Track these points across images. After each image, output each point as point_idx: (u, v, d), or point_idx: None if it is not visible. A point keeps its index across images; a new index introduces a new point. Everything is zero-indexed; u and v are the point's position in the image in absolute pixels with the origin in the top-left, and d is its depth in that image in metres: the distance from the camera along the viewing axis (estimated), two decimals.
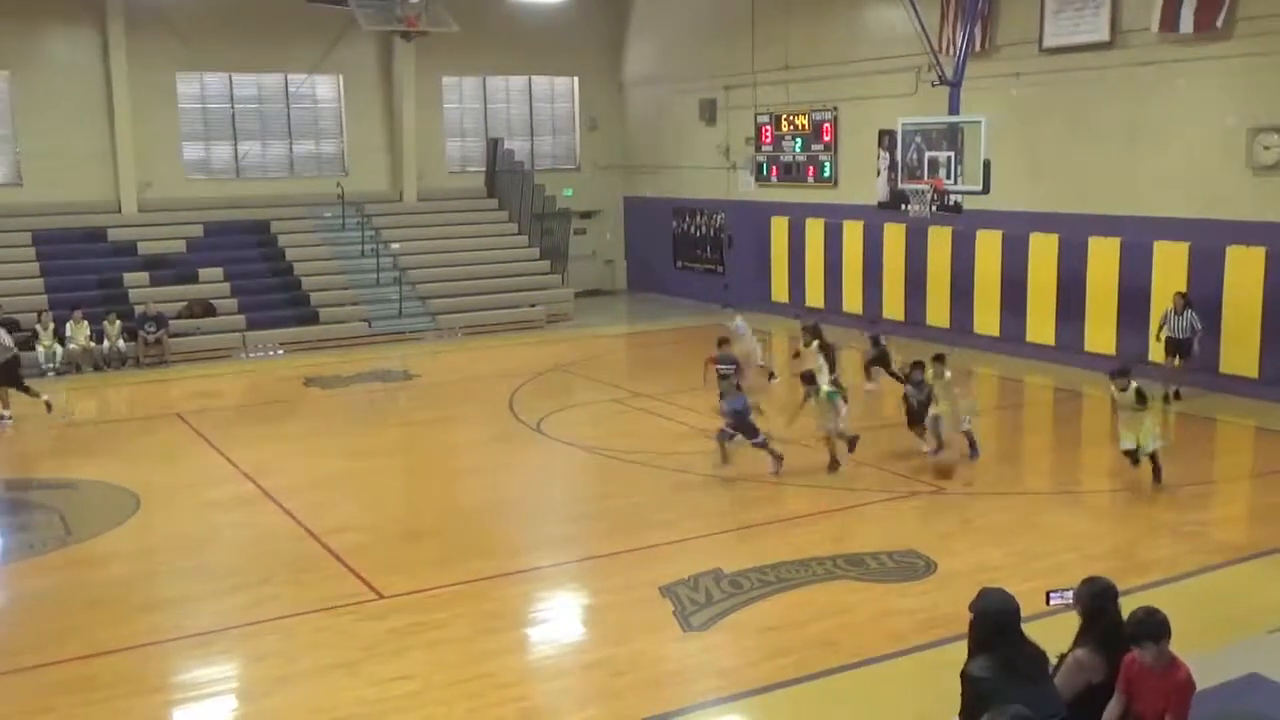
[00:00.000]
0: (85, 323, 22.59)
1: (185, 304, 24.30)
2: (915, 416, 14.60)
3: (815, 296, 26.07)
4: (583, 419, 17.90)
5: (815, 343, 16.70)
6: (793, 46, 25.83)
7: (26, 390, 18.39)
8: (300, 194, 28.26)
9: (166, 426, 18.02)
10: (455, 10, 25.87)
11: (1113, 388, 13.23)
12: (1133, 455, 13.15)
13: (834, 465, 14.05)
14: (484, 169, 30.85)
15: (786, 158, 26.75)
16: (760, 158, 27.52)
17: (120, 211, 26.50)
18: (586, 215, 31.85)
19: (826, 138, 25.56)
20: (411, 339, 25.26)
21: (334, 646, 9.40)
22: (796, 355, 18.31)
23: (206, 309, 24.50)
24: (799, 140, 26.32)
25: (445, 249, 28.33)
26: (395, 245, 27.66)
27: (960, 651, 5.81)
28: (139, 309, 23.48)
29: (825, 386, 14.25)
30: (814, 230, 25.97)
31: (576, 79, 32.12)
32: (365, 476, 14.92)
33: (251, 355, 23.68)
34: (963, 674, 5.61)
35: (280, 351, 23.99)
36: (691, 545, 11.61)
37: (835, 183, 25.53)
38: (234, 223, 26.97)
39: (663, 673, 8.91)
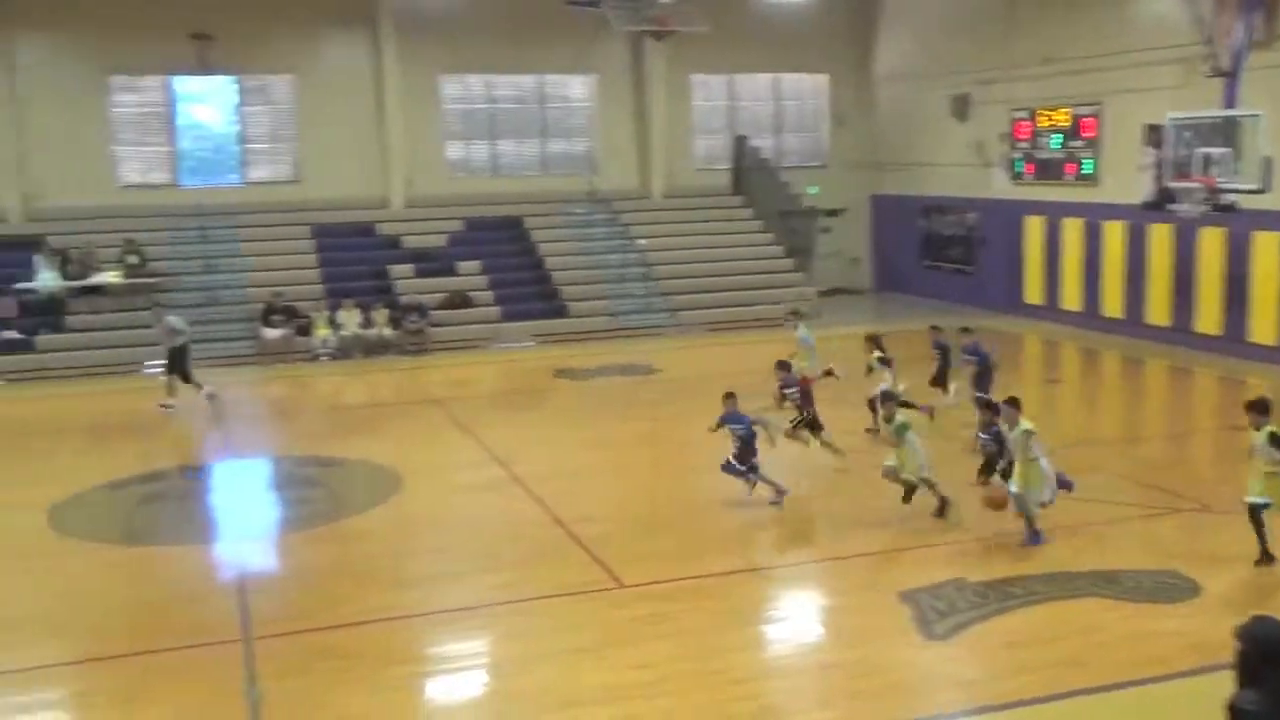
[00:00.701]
0: (356, 311, 24.09)
1: (445, 295, 25.55)
2: (988, 466, 12.71)
3: (1072, 299, 25.00)
4: (824, 418, 17.71)
5: (875, 354, 15.84)
6: (1051, 38, 24.79)
7: (189, 381, 19.09)
8: (552, 191, 29.22)
9: (426, 411, 18.99)
10: (705, 9, 26.10)
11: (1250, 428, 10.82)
12: (1255, 514, 10.64)
13: (908, 498, 12.31)
14: (730, 166, 31.03)
15: (1043, 155, 25.72)
16: (1015, 154, 26.56)
17: (388, 207, 28.12)
18: (832, 213, 31.52)
19: (1087, 133, 24.42)
20: (655, 333, 25.68)
21: (577, 631, 9.71)
22: (869, 371, 16.24)
23: (464, 300, 25.67)
24: (1057, 136, 25.25)
25: (690, 245, 28.66)
26: (642, 241, 28.20)
27: (1227, 681, 5.48)
28: (403, 299, 24.89)
29: (899, 417, 12.53)
30: (1071, 230, 24.88)
31: (826, 75, 31.85)
32: (609, 467, 15.30)
33: (504, 345, 24.65)
34: (1229, 706, 5.29)
35: (531, 342, 24.88)
36: (936, 551, 11.37)
37: (1096, 181, 24.36)
38: (491, 218, 28.16)
39: (900, 680, 8.78)
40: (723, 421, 12.98)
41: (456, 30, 27.96)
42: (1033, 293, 26.21)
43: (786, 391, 14.60)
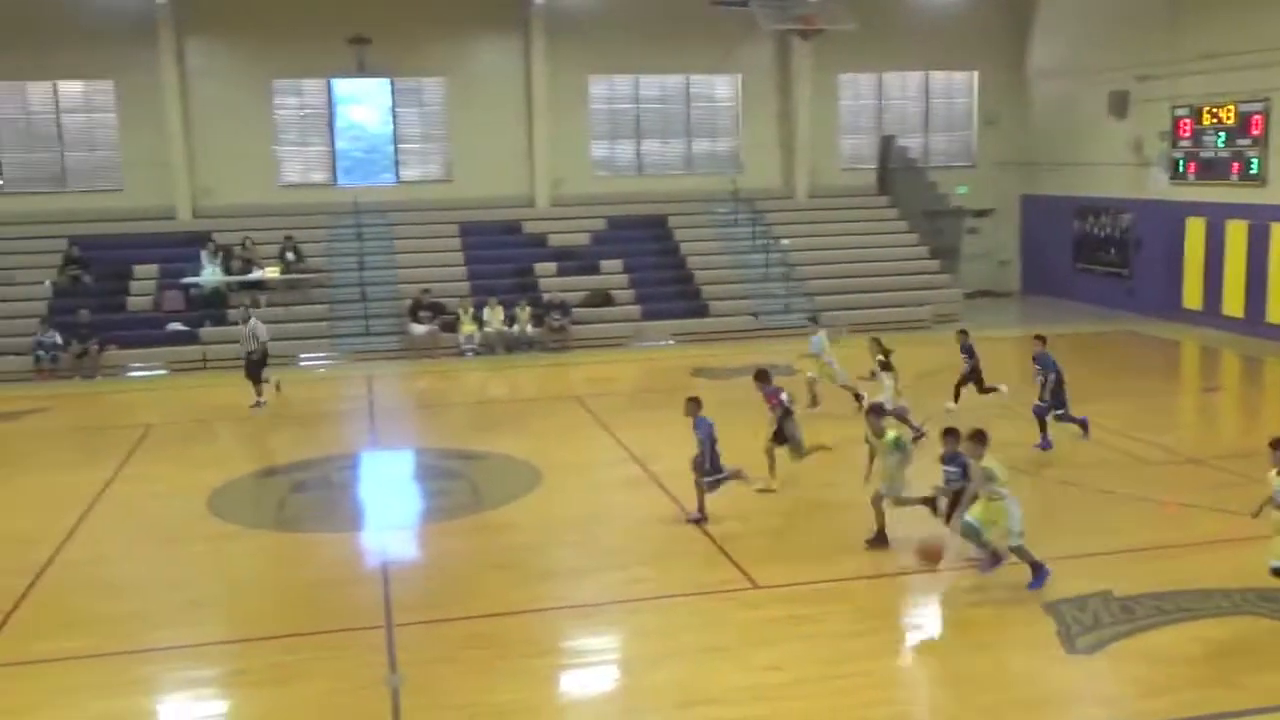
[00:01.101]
0: (500, 308, 24.58)
1: (587, 293, 25.86)
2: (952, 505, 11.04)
3: (1234, 305, 23.94)
4: (968, 424, 17.35)
5: (879, 359, 15.55)
6: (1217, 32, 23.74)
7: (257, 383, 19.53)
8: (696, 190, 29.29)
9: (566, 408, 19.25)
10: (853, 7, 25.83)
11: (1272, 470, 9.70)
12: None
13: (879, 540, 11.51)
14: (876, 166, 30.61)
15: (1207, 154, 24.67)
16: (1176, 154, 25.55)
17: (534, 206, 28.60)
18: (981, 214, 30.83)
19: (1255, 131, 23.33)
20: (797, 334, 25.48)
21: (710, 630, 9.74)
22: (871, 375, 16.21)
23: (606, 299, 25.94)
24: (1222, 135, 24.19)
25: (833, 245, 28.39)
26: (784, 241, 28.06)
27: None
28: (546, 297, 25.29)
29: (891, 432, 11.76)
30: (1235, 233, 23.81)
31: (976, 73, 31.16)
32: (746, 467, 15.24)
33: (644, 344, 24.82)
34: None
35: (671, 341, 24.99)
36: (1081, 563, 11.02)
37: (1264, 181, 23.25)
38: (634, 217, 28.39)
39: (1039, 693, 8.56)
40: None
41: (604, 31, 28.26)
42: (1191, 297, 25.17)
43: (782, 400, 14.27)
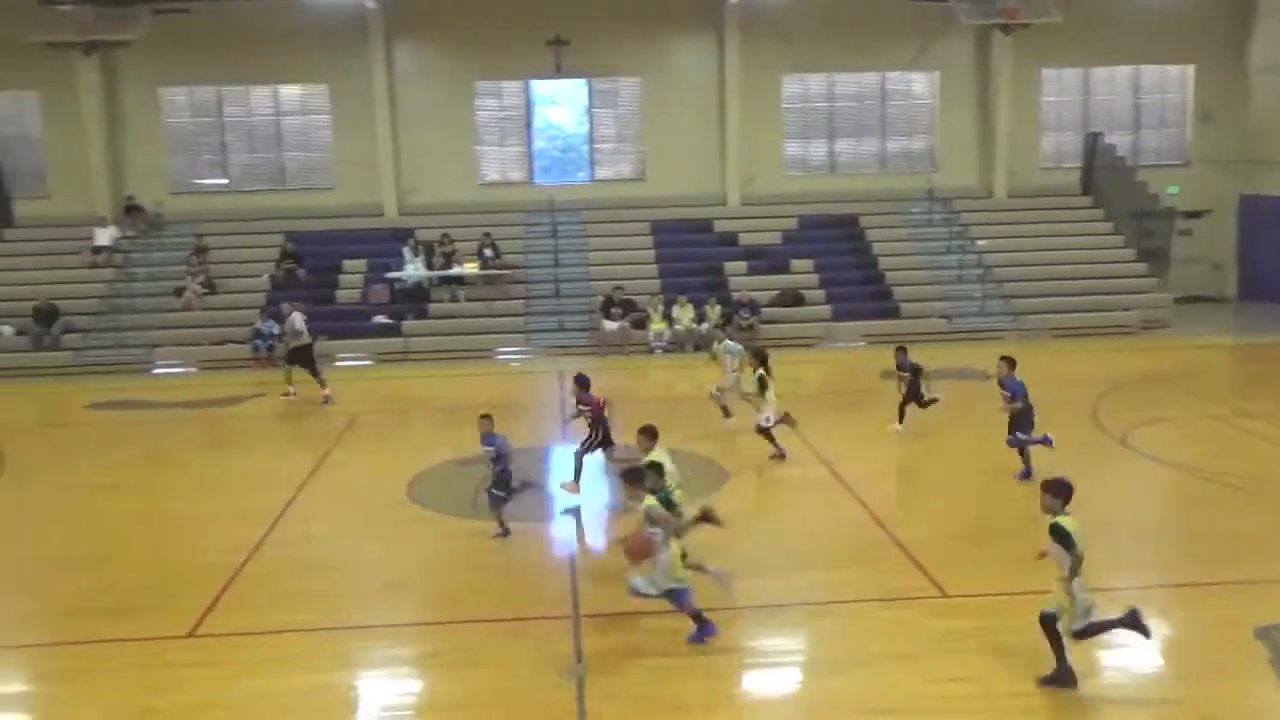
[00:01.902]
0: (689, 306, 24.73)
1: (777, 292, 25.75)
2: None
3: None
4: (1175, 435, 16.61)
5: (760, 371, 15.32)
6: None
7: (316, 375, 20.15)
8: (889, 189, 28.81)
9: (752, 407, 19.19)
10: None
11: None
12: None
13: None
14: (1080, 165, 29.45)
15: None
16: None
17: (725, 205, 28.65)
18: (1193, 215, 29.30)
19: None
20: (992, 338, 24.78)
21: (895, 637, 9.58)
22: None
23: (796, 298, 25.78)
24: None
25: (1033, 247, 27.48)
26: (981, 242, 27.30)
27: None
28: (735, 295, 25.30)
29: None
30: None
31: (1192, 67, 29.63)
32: (935, 472, 14.96)
33: (834, 344, 24.54)
34: None
35: (861, 342, 24.64)
36: None
37: None
38: (825, 217, 28.13)
39: None
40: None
41: (799, 30, 28.07)
42: None
43: (582, 409, 14.09)
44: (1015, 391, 14.19)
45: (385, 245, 26.75)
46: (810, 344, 24.58)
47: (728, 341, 18.13)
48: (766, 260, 26.86)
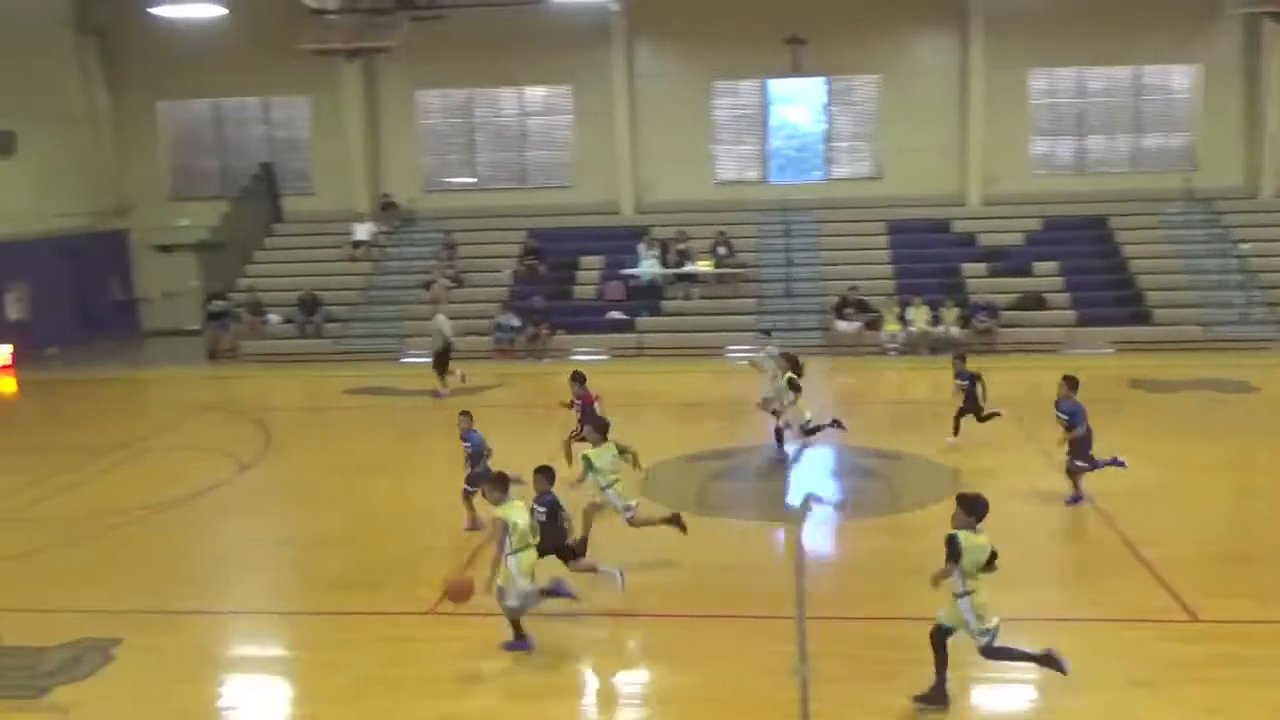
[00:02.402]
0: (925, 308, 24.21)
1: (1018, 296, 24.87)
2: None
3: None
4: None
5: (789, 374, 15.44)
6: None
7: (441, 375, 20.56)
8: (1143, 189, 27.36)
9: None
10: None
11: None
12: None
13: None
14: None
15: None
16: None
17: (964, 205, 27.88)
18: None
19: None
20: (1255, 348, 23.21)
21: (1138, 661, 9.14)
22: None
23: (1038, 302, 24.84)
24: None
25: None
26: (1244, 245, 25.57)
27: None
28: (973, 298, 24.59)
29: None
30: None
31: None
32: (1187, 489, 14.13)
33: (1079, 351, 23.51)
34: None
35: (1109, 349, 23.52)
36: None
37: None
38: (1072, 218, 26.97)
39: None
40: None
41: (1048, 23, 27.01)
42: None
43: (574, 401, 14.78)
44: (1073, 416, 13.28)
45: (621, 243, 27.32)
46: (1053, 350, 23.62)
47: (769, 348, 17.67)
48: (1007, 262, 25.98)
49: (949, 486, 14.16)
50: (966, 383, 16.19)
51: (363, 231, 28.32)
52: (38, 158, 27.13)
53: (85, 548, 10.85)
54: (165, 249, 29.67)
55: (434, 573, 11.41)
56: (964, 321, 23.99)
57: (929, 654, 9.27)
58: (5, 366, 25.04)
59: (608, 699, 9.13)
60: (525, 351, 24.50)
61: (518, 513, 9.62)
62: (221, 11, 24.87)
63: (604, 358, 24.57)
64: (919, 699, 8.46)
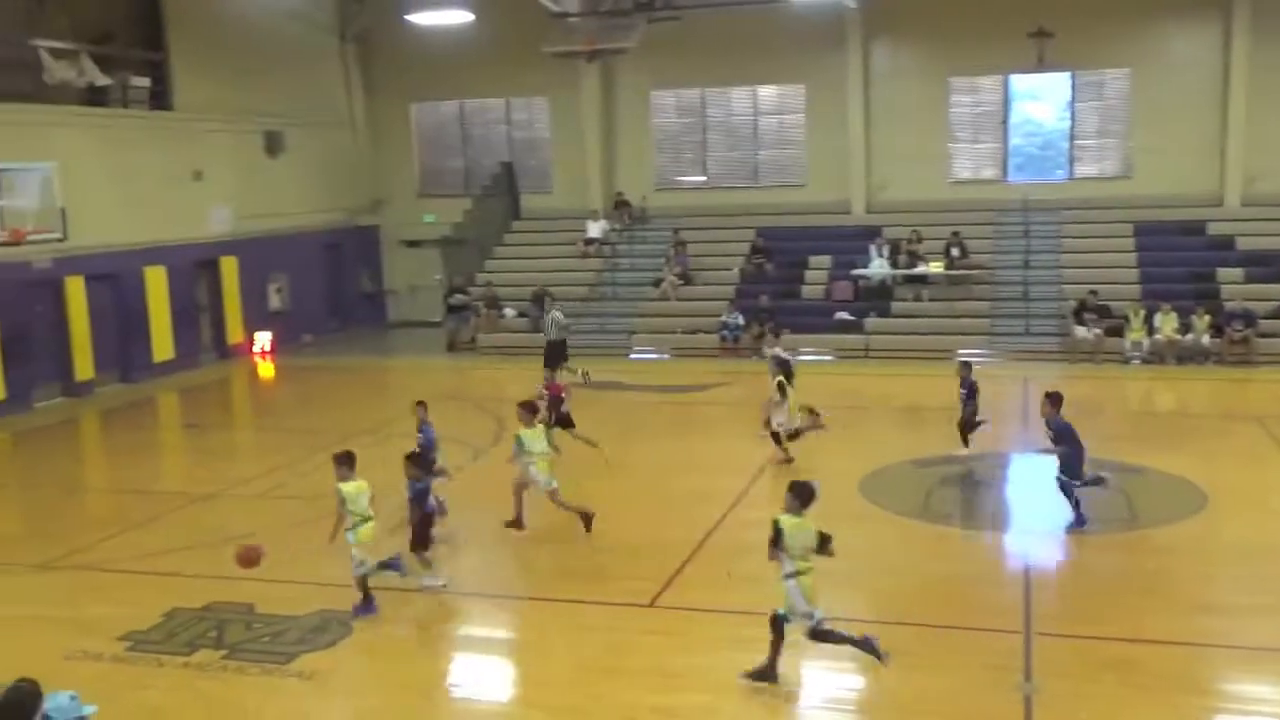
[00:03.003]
0: (1174, 315, 22.88)
1: (1278, 304, 23.22)
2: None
3: None
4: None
5: (779, 378, 15.66)
6: None
7: (553, 369, 19.90)
8: None
9: (1243, 429, 17.56)
10: None
11: None
12: None
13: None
14: None
15: None
16: None
17: (1222, 205, 26.20)
18: None
19: None
20: None
21: None
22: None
23: None
24: None
25: None
26: None
27: None
28: (1229, 305, 23.07)
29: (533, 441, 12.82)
30: None
31: None
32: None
33: None
34: None
35: None
36: None
37: None
38: None
39: None
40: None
41: None
42: None
43: (544, 392, 15.82)
44: (1060, 432, 12.76)
45: (851, 242, 26.99)
46: None
47: (774, 350, 17.62)
48: (1269, 267, 24.25)
49: (1195, 504, 13.41)
50: (966, 392, 15.97)
51: (595, 229, 29.01)
52: (301, 157, 29.03)
53: (331, 525, 11.52)
54: (412, 244, 31.24)
55: (655, 567, 11.65)
56: (1217, 330, 22.56)
57: (1166, 680, 8.84)
58: (265, 352, 26.93)
59: (823, 702, 9.08)
60: (750, 350, 24.54)
61: (357, 489, 10.68)
62: (469, 18, 25.97)
63: (829, 358, 24.34)
64: (748, 675, 8.96)
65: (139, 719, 8.69)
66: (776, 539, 8.89)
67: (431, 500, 11.77)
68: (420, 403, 13.91)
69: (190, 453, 18.79)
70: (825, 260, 26.91)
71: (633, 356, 25.32)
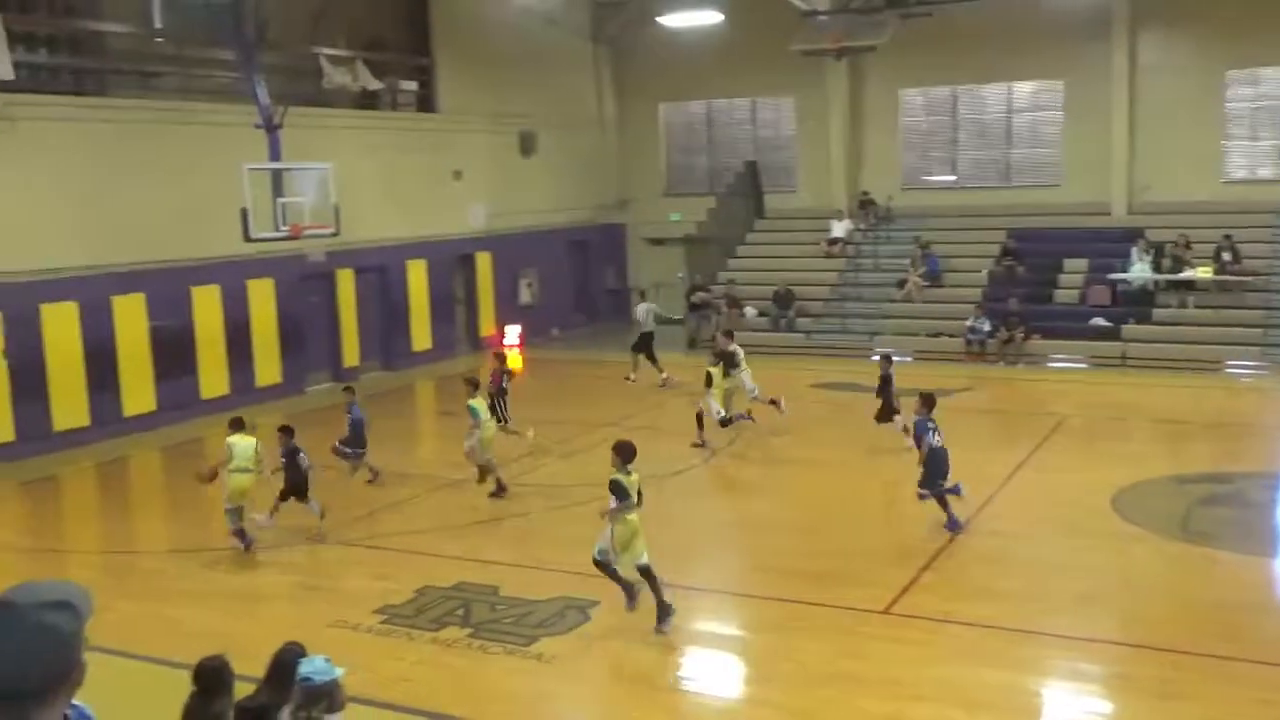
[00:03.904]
0: None
1: None
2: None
3: None
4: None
5: (719, 365, 16.80)
6: None
7: (654, 362, 22.15)
8: None
9: None
10: None
11: None
12: None
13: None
14: None
15: None
16: None
17: None
18: None
19: None
20: None
21: None
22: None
23: None
24: None
25: None
26: None
27: None
28: None
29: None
30: None
31: None
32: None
33: None
34: None
35: None
36: None
37: None
38: None
39: None
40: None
41: None
42: None
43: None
44: (919, 433, 12.86)
45: (1109, 245, 25.65)
46: None
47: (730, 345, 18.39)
48: None
49: None
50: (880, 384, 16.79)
51: (839, 228, 28.70)
52: (553, 157, 30.00)
53: (572, 513, 11.91)
54: (656, 242, 31.75)
55: (889, 573, 11.47)
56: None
57: None
58: (515, 345, 27.98)
59: None
60: (997, 355, 23.74)
61: (242, 440, 12.70)
62: (720, 18, 26.16)
63: (1083, 365, 23.27)
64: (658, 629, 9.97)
65: (391, 688, 9.22)
66: (622, 493, 9.97)
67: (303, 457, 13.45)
68: (348, 387, 16.36)
69: (445, 439, 19.73)
70: (1081, 263, 25.69)
71: (874, 358, 24.87)
